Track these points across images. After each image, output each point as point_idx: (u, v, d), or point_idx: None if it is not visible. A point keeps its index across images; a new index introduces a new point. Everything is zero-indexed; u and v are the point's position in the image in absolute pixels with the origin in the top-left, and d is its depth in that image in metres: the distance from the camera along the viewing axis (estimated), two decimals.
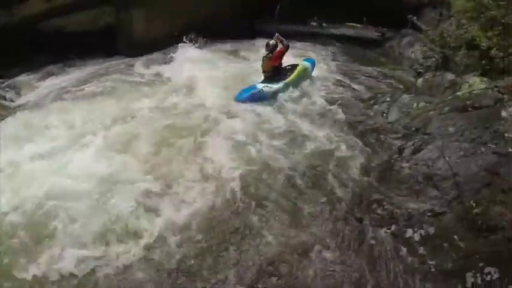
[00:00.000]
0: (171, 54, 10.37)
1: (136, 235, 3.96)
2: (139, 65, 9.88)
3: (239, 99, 7.07)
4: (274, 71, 7.44)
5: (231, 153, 5.22)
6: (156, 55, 10.48)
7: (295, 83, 7.56)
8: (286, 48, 7.48)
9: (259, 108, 6.75)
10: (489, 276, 3.57)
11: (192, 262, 3.67)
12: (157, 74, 9.13)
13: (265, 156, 5.17)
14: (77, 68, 9.72)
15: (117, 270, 3.58)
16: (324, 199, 4.22)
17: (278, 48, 7.39)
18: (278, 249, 3.70)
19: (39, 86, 8.60)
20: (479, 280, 3.55)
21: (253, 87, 7.24)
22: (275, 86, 7.26)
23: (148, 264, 3.66)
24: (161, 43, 10.61)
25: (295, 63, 8.08)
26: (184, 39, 9.68)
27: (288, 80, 7.51)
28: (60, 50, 9.73)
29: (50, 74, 9.24)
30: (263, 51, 7.59)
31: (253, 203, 4.32)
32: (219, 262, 3.66)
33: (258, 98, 7.05)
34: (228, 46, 11.32)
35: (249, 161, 5.02)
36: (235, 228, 4.01)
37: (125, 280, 3.53)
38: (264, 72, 7.52)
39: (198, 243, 3.87)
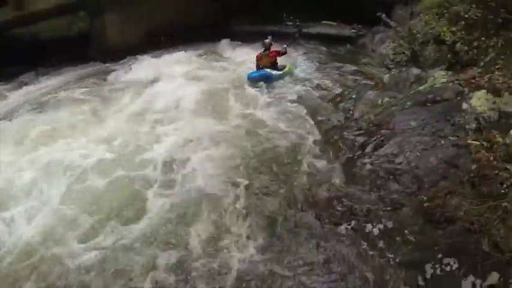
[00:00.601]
0: (146, 59, 10.37)
1: None
2: (115, 70, 9.84)
3: (250, 76, 8.24)
4: (272, 66, 8.45)
5: None
6: (131, 60, 10.43)
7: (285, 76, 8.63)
8: (284, 52, 8.75)
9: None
10: (448, 267, 3.65)
11: None
12: (134, 79, 9.08)
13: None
14: (51, 76, 9.63)
15: None
16: (284, 194, 4.28)
17: (276, 49, 8.60)
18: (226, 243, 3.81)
19: (10, 96, 8.50)
20: (438, 271, 3.62)
21: (263, 71, 8.32)
22: (277, 72, 8.41)
23: None
24: (136, 48, 10.57)
25: (284, 64, 8.94)
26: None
27: (284, 71, 8.61)
28: (34, 57, 9.63)
29: (23, 84, 9.14)
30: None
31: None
32: None
33: (265, 77, 8.19)
34: (207, 47, 11.38)
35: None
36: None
37: None
38: (262, 65, 8.43)
39: None
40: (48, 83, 9.27)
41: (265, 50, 8.49)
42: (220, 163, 5.10)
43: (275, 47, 8.71)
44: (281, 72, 8.47)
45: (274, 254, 3.64)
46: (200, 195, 4.52)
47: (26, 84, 9.13)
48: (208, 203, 4.38)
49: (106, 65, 10.40)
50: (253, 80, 8.17)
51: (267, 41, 8.48)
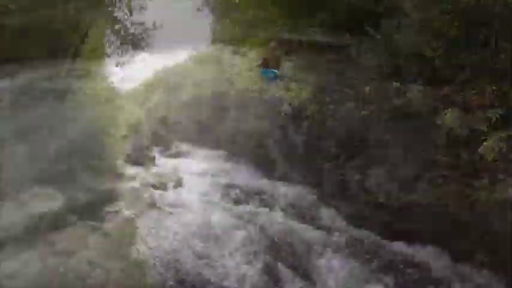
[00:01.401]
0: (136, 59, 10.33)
1: None
2: (101, 67, 9.79)
3: (265, 75, 9.38)
4: (277, 67, 9.58)
5: None
6: (118, 59, 10.36)
7: None
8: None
9: None
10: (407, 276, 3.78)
11: None
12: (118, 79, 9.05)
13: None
14: (33, 71, 9.50)
15: None
16: (256, 203, 4.33)
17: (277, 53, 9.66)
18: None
19: None
20: (400, 280, 3.75)
21: (273, 71, 9.43)
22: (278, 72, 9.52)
23: None
24: (123, 47, 10.48)
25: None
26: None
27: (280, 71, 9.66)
28: (19, 49, 9.48)
29: (5, 75, 9.00)
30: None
31: None
32: None
33: (274, 76, 9.31)
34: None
35: None
36: None
37: None
38: (270, 65, 9.49)
39: None
40: (27, 76, 9.15)
41: (272, 52, 9.58)
42: None
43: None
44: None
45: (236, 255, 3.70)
46: None
47: (8, 75, 8.99)
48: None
49: (90, 62, 10.32)
50: (266, 75, 9.42)
51: (272, 44, 9.60)
